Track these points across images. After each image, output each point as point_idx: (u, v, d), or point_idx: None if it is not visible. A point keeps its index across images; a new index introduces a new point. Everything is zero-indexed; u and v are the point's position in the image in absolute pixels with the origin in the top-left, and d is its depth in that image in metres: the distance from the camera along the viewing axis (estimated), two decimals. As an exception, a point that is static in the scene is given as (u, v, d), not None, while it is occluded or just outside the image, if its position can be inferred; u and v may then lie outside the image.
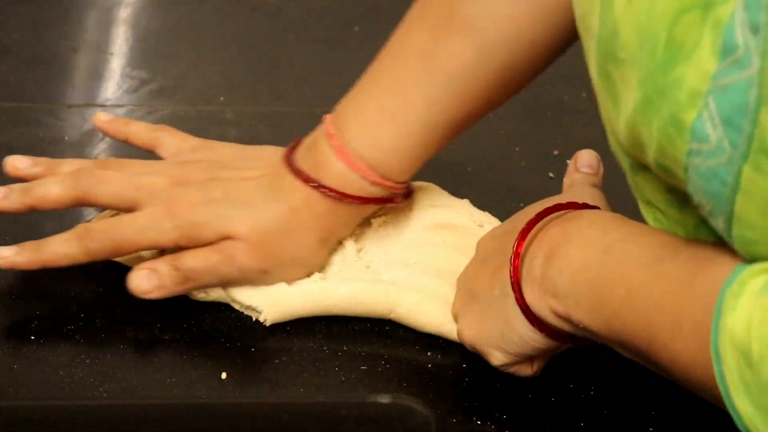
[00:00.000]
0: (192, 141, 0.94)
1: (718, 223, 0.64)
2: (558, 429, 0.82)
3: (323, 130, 0.87)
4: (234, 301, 0.88)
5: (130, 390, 0.83)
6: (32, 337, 0.86)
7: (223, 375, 0.85)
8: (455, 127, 0.87)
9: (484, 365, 0.86)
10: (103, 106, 1.09)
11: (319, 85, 1.14)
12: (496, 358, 0.81)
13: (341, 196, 0.86)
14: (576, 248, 0.74)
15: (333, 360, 0.86)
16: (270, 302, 0.87)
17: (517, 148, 1.04)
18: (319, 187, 0.86)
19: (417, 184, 0.96)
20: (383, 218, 0.93)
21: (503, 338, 0.80)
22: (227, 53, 1.18)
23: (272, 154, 0.90)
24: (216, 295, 0.89)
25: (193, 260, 0.85)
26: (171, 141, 0.94)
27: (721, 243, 0.67)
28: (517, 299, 0.77)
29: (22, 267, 0.87)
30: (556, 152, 1.04)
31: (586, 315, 0.73)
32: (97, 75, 1.14)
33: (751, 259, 0.64)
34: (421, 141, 0.86)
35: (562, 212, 0.79)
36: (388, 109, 0.86)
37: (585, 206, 0.80)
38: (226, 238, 0.85)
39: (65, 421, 0.83)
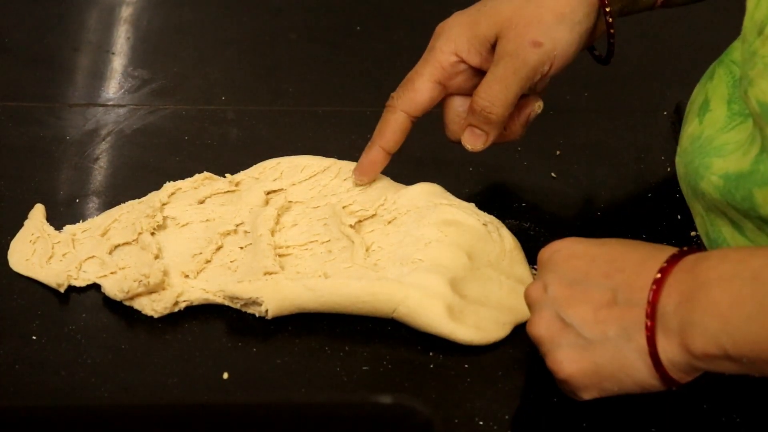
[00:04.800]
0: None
1: None
2: (558, 429, 0.83)
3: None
4: (234, 298, 0.88)
5: (132, 390, 0.83)
6: (33, 338, 0.86)
7: (225, 375, 0.85)
8: None
9: (486, 366, 0.86)
10: (104, 105, 1.09)
11: (319, 85, 1.14)
12: (589, 394, 0.79)
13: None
14: (718, 288, 0.72)
15: (334, 360, 0.86)
16: (271, 294, 0.87)
17: (519, 148, 1.04)
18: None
19: (421, 184, 0.96)
20: (392, 216, 0.93)
21: (610, 380, 0.78)
22: (228, 53, 1.18)
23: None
24: (214, 297, 0.89)
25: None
26: None
27: None
28: (651, 353, 0.75)
29: None
30: (558, 152, 1.04)
31: (752, 348, 0.71)
32: (98, 74, 1.14)
33: None
34: None
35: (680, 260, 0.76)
36: None
37: (691, 251, 0.77)
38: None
39: (66, 422, 0.83)
